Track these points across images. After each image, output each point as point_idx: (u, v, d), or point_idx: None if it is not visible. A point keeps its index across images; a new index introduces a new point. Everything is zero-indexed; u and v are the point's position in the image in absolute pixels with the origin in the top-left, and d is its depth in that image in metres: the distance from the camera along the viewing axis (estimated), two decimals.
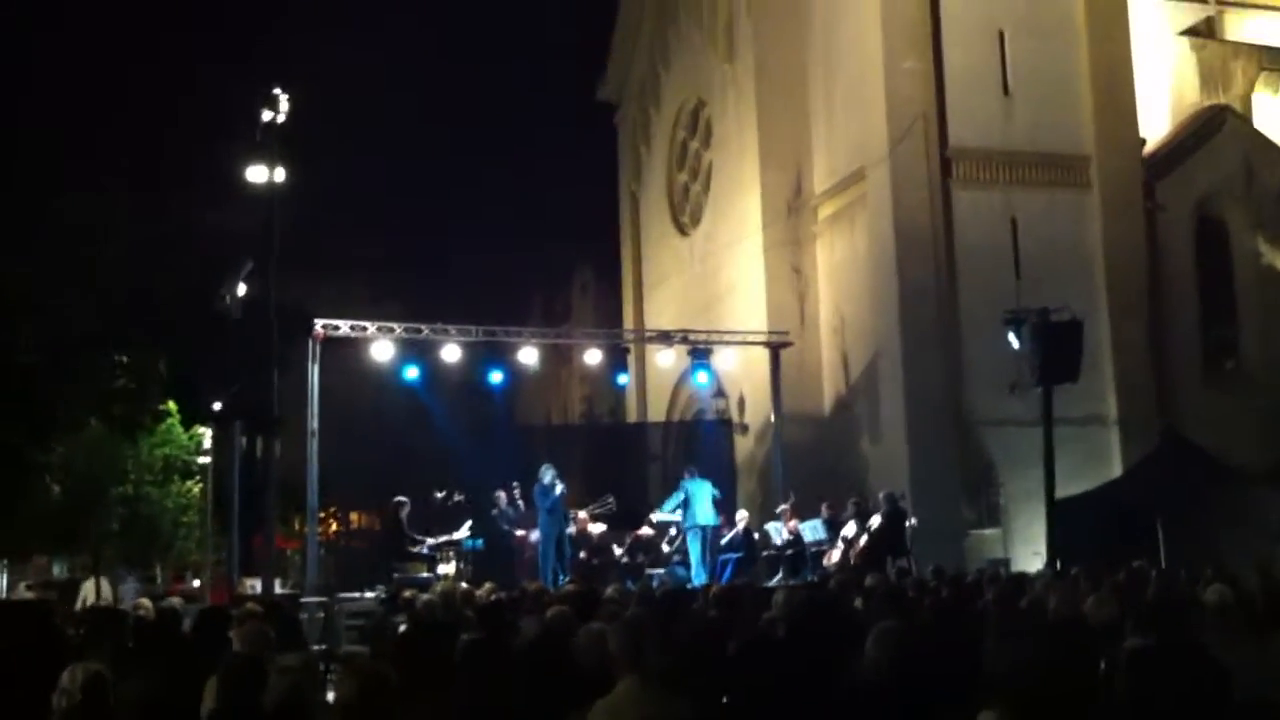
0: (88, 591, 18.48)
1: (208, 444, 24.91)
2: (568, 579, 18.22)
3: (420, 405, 23.30)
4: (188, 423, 24.05)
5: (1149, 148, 27.91)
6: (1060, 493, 20.57)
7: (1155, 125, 28.58)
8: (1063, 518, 19.96)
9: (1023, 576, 14.78)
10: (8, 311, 15.25)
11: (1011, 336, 20.35)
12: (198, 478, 25.90)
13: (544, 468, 19.90)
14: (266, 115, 20.21)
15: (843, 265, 28.61)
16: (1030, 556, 22.08)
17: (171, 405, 21.27)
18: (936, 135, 26.18)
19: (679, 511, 20.61)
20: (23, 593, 29.14)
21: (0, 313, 15.26)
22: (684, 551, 20.61)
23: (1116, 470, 24.76)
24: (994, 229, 26.00)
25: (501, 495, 20.98)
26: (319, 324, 21.01)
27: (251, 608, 9.56)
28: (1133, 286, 26.65)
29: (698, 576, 19.26)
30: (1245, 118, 29.07)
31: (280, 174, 20.41)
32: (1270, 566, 15.11)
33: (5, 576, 31.42)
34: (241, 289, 21.92)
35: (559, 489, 19.65)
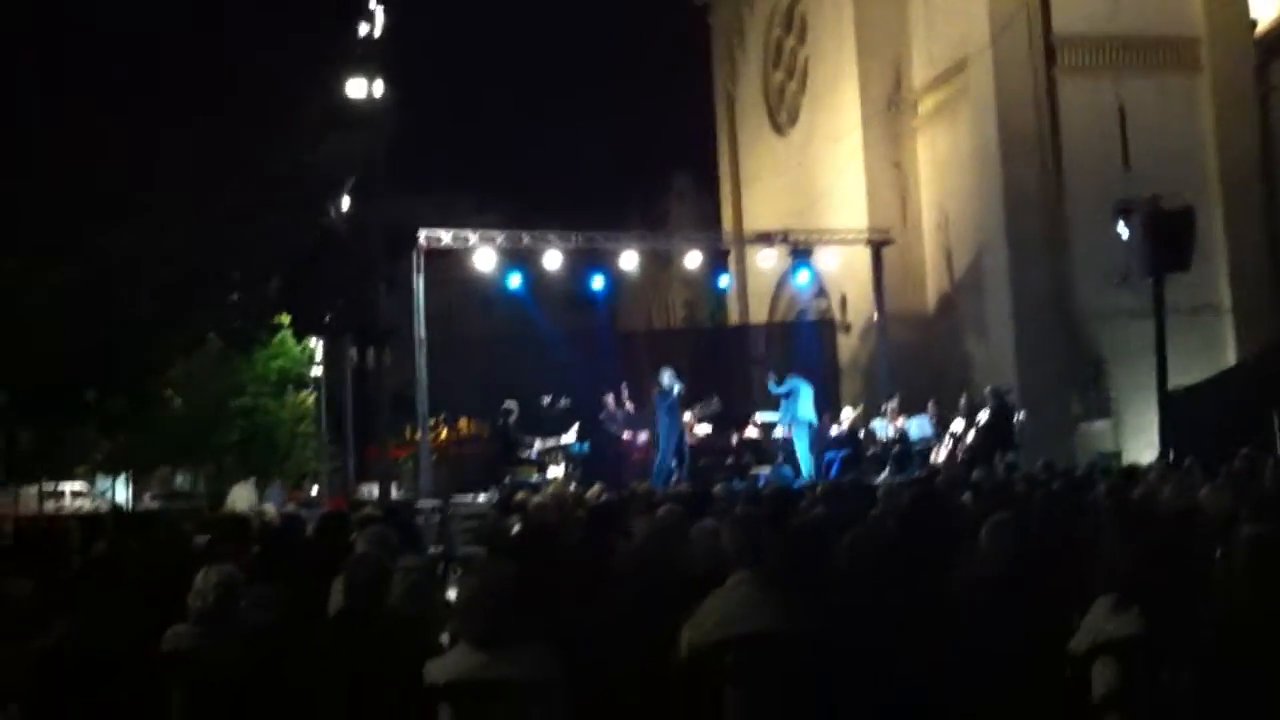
0: (236, 499, 19.09)
1: (320, 356, 25.45)
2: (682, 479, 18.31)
3: (524, 313, 23.56)
4: (300, 336, 24.57)
5: (1261, 28, 26.78)
6: (1172, 384, 20.22)
7: (1267, 5, 27.42)
8: (1175, 409, 19.63)
9: (1135, 469, 14.61)
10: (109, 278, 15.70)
11: (1121, 226, 19.91)
12: (311, 389, 26.53)
13: (663, 369, 19.96)
14: (363, 29, 20.36)
15: (945, 160, 28.10)
16: (1142, 449, 21.76)
17: (284, 319, 21.74)
18: (1040, 21, 25.44)
19: (782, 411, 20.60)
20: (148, 503, 30.23)
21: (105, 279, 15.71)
22: (789, 451, 20.65)
23: (1230, 360, 24.24)
24: (1101, 118, 25.30)
25: (609, 399, 21.19)
26: (422, 235, 21.25)
27: (371, 512, 9.84)
28: (1245, 173, 25.82)
29: (806, 472, 19.33)
30: None
31: (379, 88, 20.60)
32: None
33: (130, 488, 32.57)
34: (346, 204, 22.25)
35: (677, 389, 19.70)
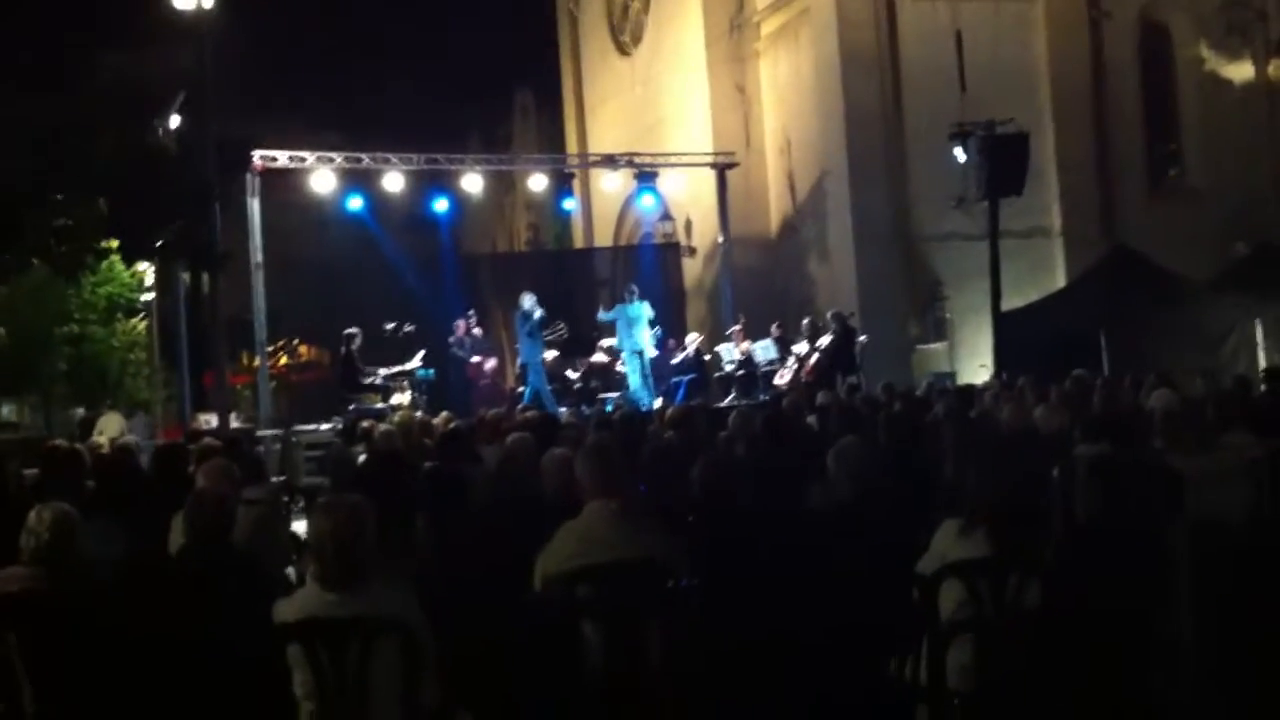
0: (106, 428, 18.37)
1: (150, 281, 24.55)
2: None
3: (365, 236, 23.07)
4: (130, 261, 23.63)
5: None
6: (1005, 306, 20.85)
7: None
8: (1008, 330, 20.28)
9: (970, 389, 15.04)
10: None
11: (958, 150, 20.37)
12: (143, 315, 25.62)
13: (524, 294, 19.73)
14: None
15: (787, 84, 28.24)
16: (976, 370, 22.42)
17: (113, 244, 20.88)
18: None
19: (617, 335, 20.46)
20: None
21: None
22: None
23: (1060, 282, 25.03)
24: (939, 44, 25.63)
25: (460, 324, 20.95)
26: (257, 155, 20.61)
27: (210, 443, 9.55)
28: (1077, 98, 26.56)
29: (638, 398, 19.33)
30: None
31: (208, 1, 19.77)
32: (1215, 372, 15.48)
33: None
34: (175, 122, 21.38)
35: (539, 314, 19.49)
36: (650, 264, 26.01)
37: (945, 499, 5.95)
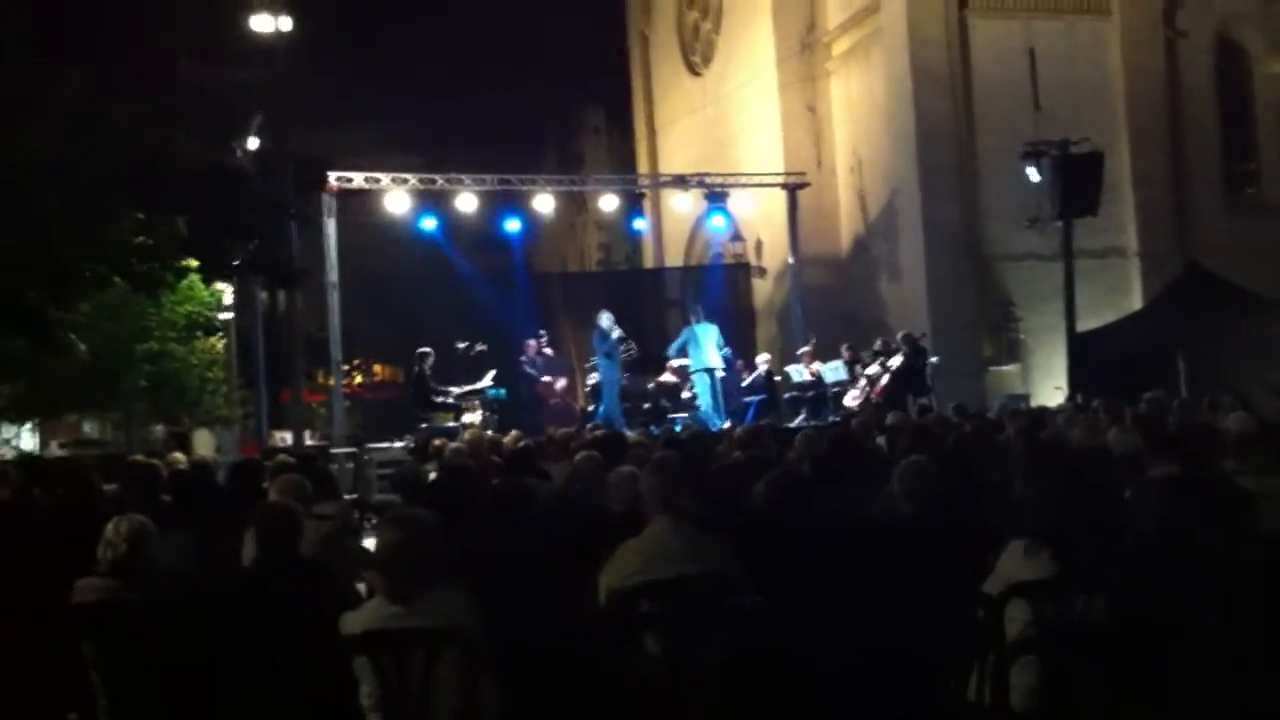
0: (199, 444, 18.79)
1: (229, 300, 24.99)
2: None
3: (438, 256, 23.31)
4: (208, 279, 24.10)
5: None
6: (1081, 327, 20.63)
7: None
8: (1083, 351, 20.05)
9: (1043, 411, 14.88)
10: (25, 175, 15.17)
11: (1031, 170, 20.20)
12: (221, 334, 26.07)
13: (601, 313, 19.86)
14: None
15: (858, 103, 28.18)
16: (1050, 391, 22.20)
17: (192, 262, 21.29)
18: None
19: (688, 356, 20.51)
20: (55, 451, 29.62)
21: (18, 177, 15.17)
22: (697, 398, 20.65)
23: (1137, 303, 24.73)
24: (1012, 61, 25.51)
25: (531, 344, 21.09)
26: (332, 176, 20.92)
27: (284, 459, 9.70)
28: (1153, 116, 26.25)
29: (709, 419, 19.35)
30: None
31: (286, 23, 20.16)
32: None
33: (38, 435, 31.86)
34: (254, 143, 21.79)
35: (616, 333, 19.60)
36: (720, 284, 26.00)
37: (1014, 519, 5.90)
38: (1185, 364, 19.29)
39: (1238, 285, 21.54)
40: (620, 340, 19.63)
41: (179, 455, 11.28)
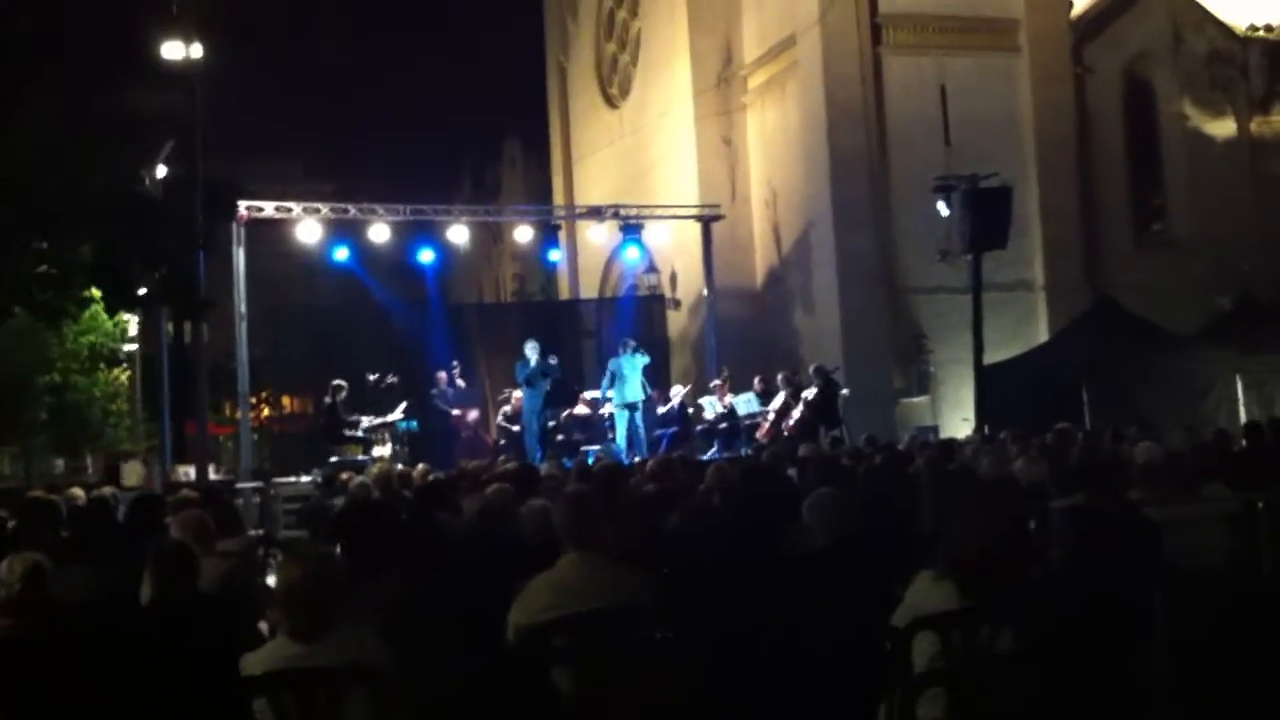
0: (129, 475, 18.33)
1: (134, 331, 24.54)
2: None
3: (352, 287, 23.10)
4: (113, 309, 23.64)
5: (1077, 9, 27.78)
6: (989, 359, 20.89)
7: None
8: (991, 383, 20.30)
9: (952, 442, 15.05)
10: None
11: (941, 204, 20.45)
12: (125, 365, 25.60)
13: (528, 343, 19.83)
14: None
15: (774, 136, 28.42)
16: (959, 423, 22.43)
17: (95, 292, 20.89)
18: (867, 0, 25.89)
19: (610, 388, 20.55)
20: None
21: None
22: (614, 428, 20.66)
23: (1044, 335, 25.10)
24: (924, 96, 25.87)
25: (442, 375, 20.95)
26: (243, 205, 20.65)
27: (187, 494, 9.49)
28: (1061, 151, 26.70)
29: (622, 452, 19.34)
30: None
31: (197, 50, 19.89)
32: (1197, 425, 15.52)
33: None
34: (162, 170, 21.44)
35: (534, 360, 19.61)
36: (635, 315, 26.03)
37: (922, 550, 5.92)
38: (1091, 396, 19.61)
39: (1145, 319, 21.98)
40: (541, 369, 19.61)
41: (77, 490, 10.99)
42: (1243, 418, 18.72)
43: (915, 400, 25.24)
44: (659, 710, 5.16)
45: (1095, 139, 27.29)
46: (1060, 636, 4.97)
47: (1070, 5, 27.53)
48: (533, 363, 19.60)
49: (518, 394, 20.48)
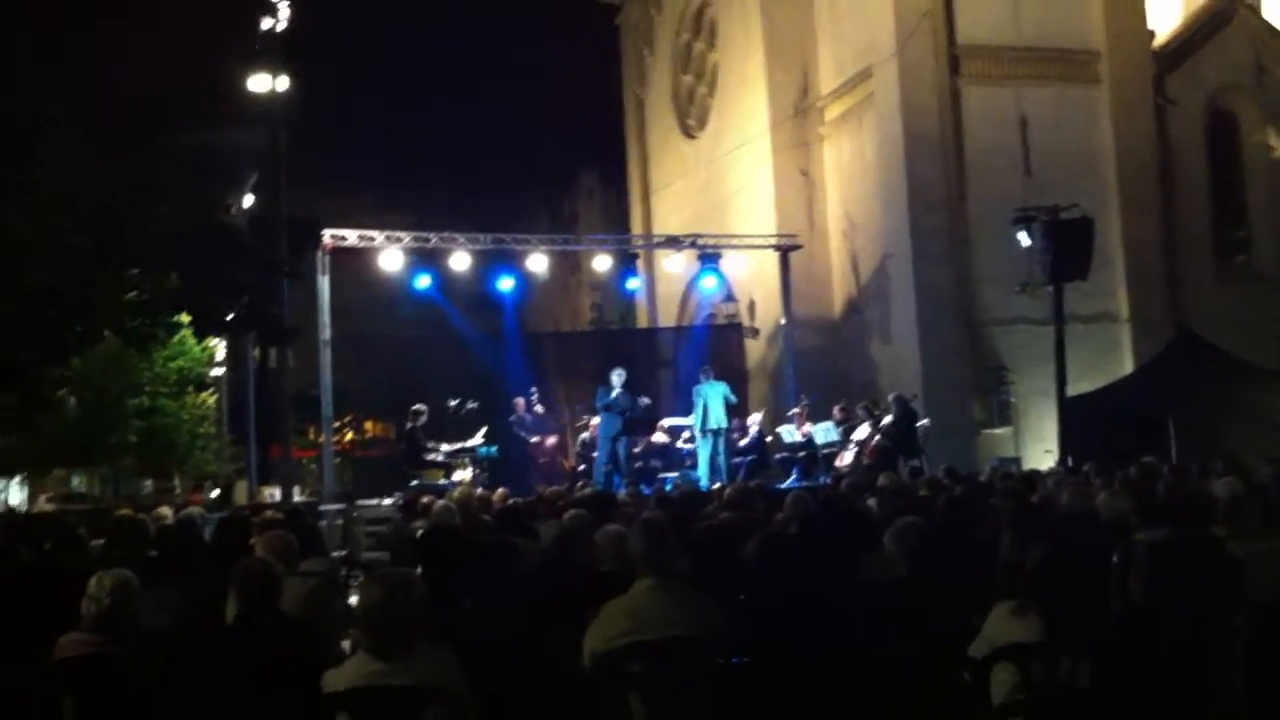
0: (239, 493, 18.80)
1: (221, 356, 25.02)
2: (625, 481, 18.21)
3: (432, 315, 23.34)
4: (201, 336, 24.12)
5: (1159, 41, 27.51)
6: (1071, 391, 20.65)
7: (1165, 18, 28.15)
8: (1074, 415, 20.07)
9: (1034, 474, 14.88)
10: (18, 236, 15.31)
11: (1022, 235, 20.31)
12: (212, 390, 26.09)
13: (613, 370, 20.07)
14: (267, 23, 20.07)
15: (851, 167, 28.38)
16: (1041, 455, 22.18)
17: (184, 318, 21.35)
18: (945, 31, 25.80)
19: (692, 416, 20.63)
20: (43, 505, 29.48)
21: (11, 237, 15.32)
22: (696, 456, 20.68)
23: (1128, 367, 24.77)
24: (1003, 128, 25.71)
25: (520, 402, 21.11)
26: (327, 234, 20.99)
27: (272, 515, 9.65)
28: (1143, 183, 26.41)
29: (704, 480, 19.35)
30: (1255, 8, 28.59)
31: (283, 83, 20.32)
32: None
33: (26, 489, 31.76)
34: (249, 200, 21.89)
35: (615, 391, 19.78)
36: (713, 344, 26.03)
37: (1002, 582, 5.88)
38: (1176, 430, 19.31)
39: (1229, 352, 21.63)
40: (621, 398, 19.74)
41: (165, 510, 11.22)
42: None
43: (997, 431, 24.99)
44: None
45: (1178, 171, 26.95)
46: (1140, 671, 4.92)
47: (1152, 36, 27.25)
48: (615, 391, 19.73)
49: (595, 420, 20.59)
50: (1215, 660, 4.88)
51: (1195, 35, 27.80)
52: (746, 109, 30.80)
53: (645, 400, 20.72)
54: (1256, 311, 25.02)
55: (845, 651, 5.32)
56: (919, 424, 20.14)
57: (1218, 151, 27.71)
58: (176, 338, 23.39)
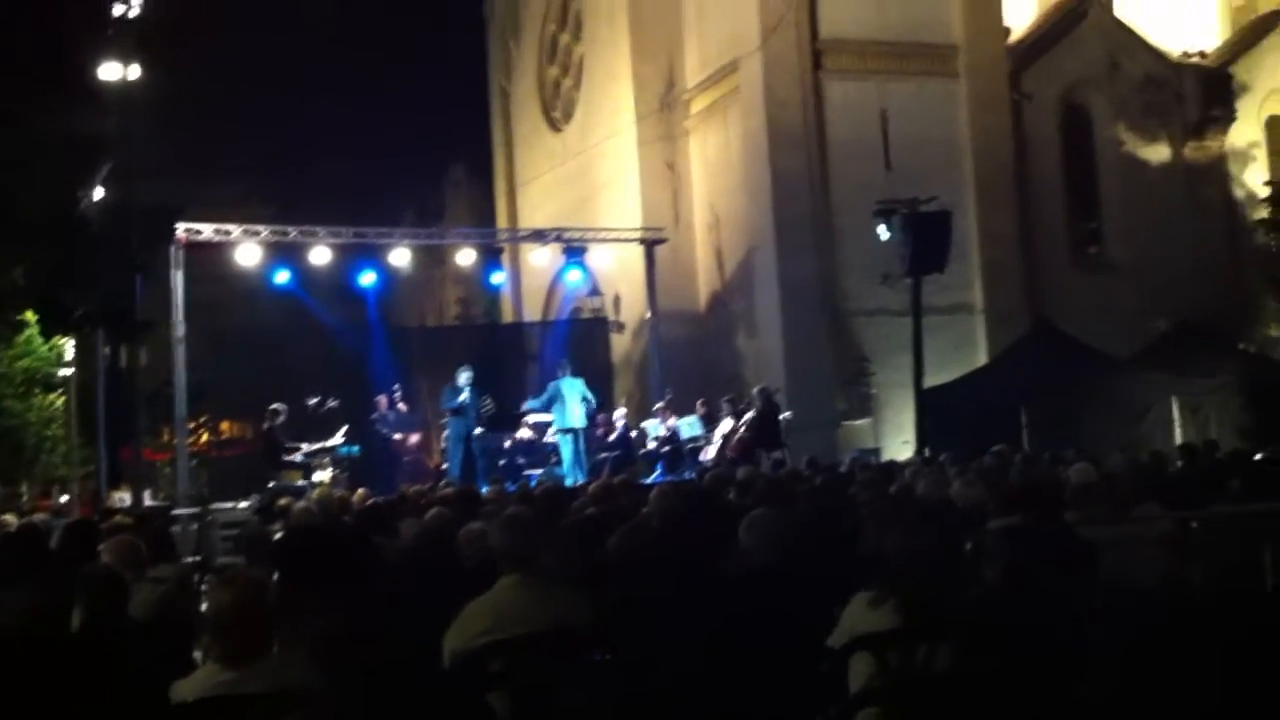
0: (115, 500, 18.09)
1: (70, 355, 24.19)
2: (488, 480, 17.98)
3: (292, 311, 22.86)
4: (48, 334, 23.30)
5: (1015, 36, 28.23)
6: (929, 382, 21.06)
7: (1021, 14, 28.91)
8: (931, 406, 20.46)
9: (892, 464, 15.13)
10: None
11: (882, 228, 20.62)
12: (60, 390, 25.22)
13: (460, 369, 19.73)
14: (119, 9, 19.48)
15: (716, 160, 28.56)
16: (900, 446, 22.59)
17: (30, 316, 20.60)
18: (808, 25, 26.10)
19: (551, 412, 20.45)
20: None
21: None
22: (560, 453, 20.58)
23: (983, 358, 25.35)
24: (865, 121, 26.12)
25: (382, 400, 20.77)
26: (181, 228, 20.40)
27: (121, 520, 9.36)
28: (999, 176, 27.03)
29: (570, 477, 19.27)
30: (1107, 6, 29.47)
31: (135, 71, 19.72)
32: (1133, 446, 15.73)
33: None
34: (100, 193, 21.19)
35: (465, 392, 19.50)
36: (578, 339, 25.95)
37: (863, 572, 5.94)
38: (1029, 419, 19.83)
39: (1082, 342, 22.26)
40: (468, 398, 19.53)
41: (9, 517, 10.80)
42: (1178, 439, 19.00)
43: (858, 423, 25.35)
44: None
45: (1033, 164, 27.66)
46: (996, 655, 5.00)
47: (1008, 32, 27.93)
48: (463, 393, 19.51)
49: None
50: (1073, 642, 4.97)
51: (1050, 31, 28.60)
52: (613, 102, 30.79)
53: (489, 404, 20.46)
54: (1110, 301, 25.84)
55: (705, 644, 5.32)
56: (782, 416, 20.34)
57: (1072, 145, 28.52)
58: (22, 336, 22.58)
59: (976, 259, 26.28)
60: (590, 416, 20.45)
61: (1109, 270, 28.01)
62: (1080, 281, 27.42)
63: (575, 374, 20.38)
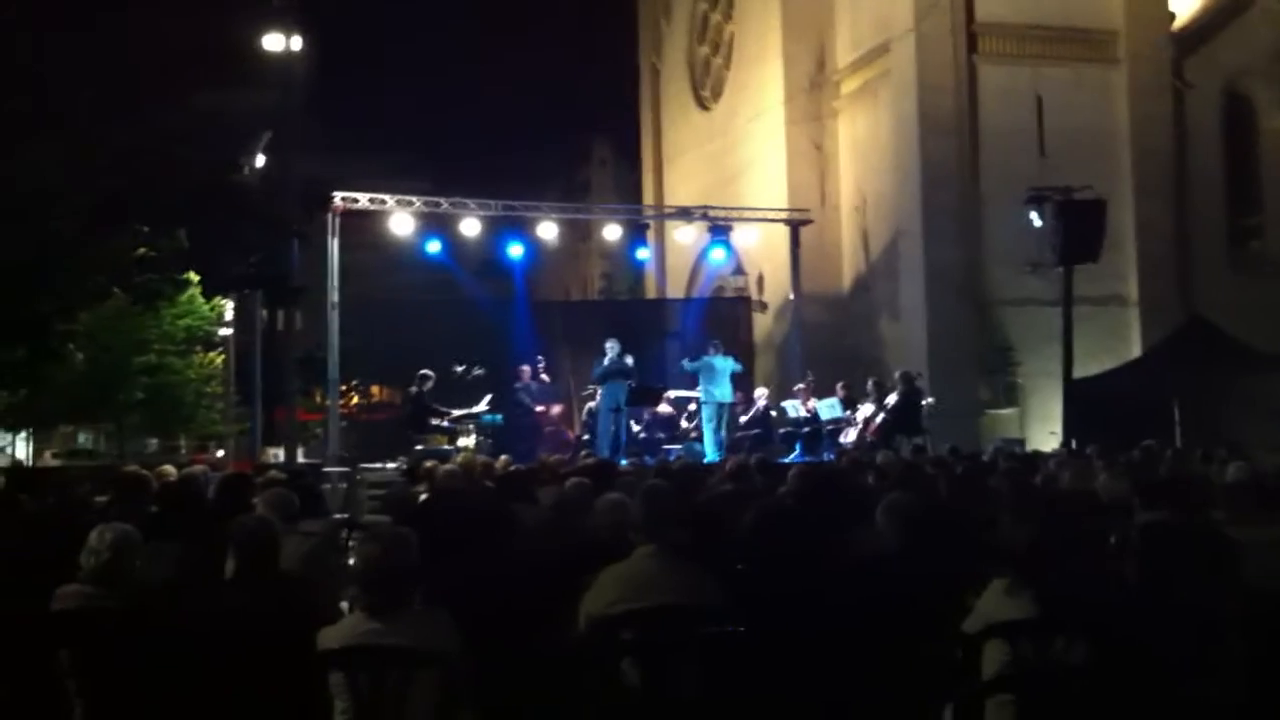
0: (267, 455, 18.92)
1: (229, 315, 25.03)
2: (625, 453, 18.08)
3: (441, 280, 23.31)
4: (209, 294, 24.14)
5: (1178, 23, 27.31)
6: (1078, 373, 20.60)
7: (1185, 0, 28.00)
8: (1079, 398, 20.01)
9: (1037, 455, 14.87)
10: (37, 200, 15.33)
11: (1033, 215, 20.19)
12: (220, 349, 26.11)
13: (609, 341, 19.83)
14: None
15: (865, 142, 28.29)
16: (1046, 436, 22.16)
17: (192, 276, 21.32)
18: (963, 7, 25.69)
19: (698, 388, 20.53)
20: (48, 460, 29.60)
21: (26, 191, 15.34)
22: (701, 428, 20.66)
23: (1135, 351, 24.73)
24: (1019, 106, 25.63)
25: (525, 370, 21.06)
26: (338, 197, 20.95)
27: (274, 475, 9.69)
28: (1158, 166, 26.31)
29: (711, 453, 19.33)
30: None
31: (297, 43, 20.26)
32: None
33: (31, 445, 31.88)
34: (260, 160, 21.85)
35: (608, 361, 19.54)
36: (720, 317, 25.99)
37: (999, 561, 5.89)
38: (1181, 415, 19.30)
39: (1238, 340, 21.55)
40: (617, 367, 19.61)
41: (169, 468, 11.26)
42: None
43: (1002, 412, 24.98)
44: (724, 706, 5.19)
45: (1193, 155, 26.83)
46: (1133, 650, 4.93)
47: (1172, 18, 27.06)
48: (608, 360, 19.57)
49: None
50: (1210, 643, 4.88)
51: (1215, 18, 27.58)
52: (762, 81, 30.69)
53: (628, 359, 20.45)
54: (1267, 299, 24.92)
55: (836, 625, 5.34)
56: (923, 402, 20.09)
57: (1234, 137, 27.56)
58: (185, 296, 23.42)
59: (1132, 250, 25.63)
60: (736, 392, 20.47)
61: (1268, 266, 26.99)
62: (1238, 277, 26.52)
63: (727, 353, 20.40)
